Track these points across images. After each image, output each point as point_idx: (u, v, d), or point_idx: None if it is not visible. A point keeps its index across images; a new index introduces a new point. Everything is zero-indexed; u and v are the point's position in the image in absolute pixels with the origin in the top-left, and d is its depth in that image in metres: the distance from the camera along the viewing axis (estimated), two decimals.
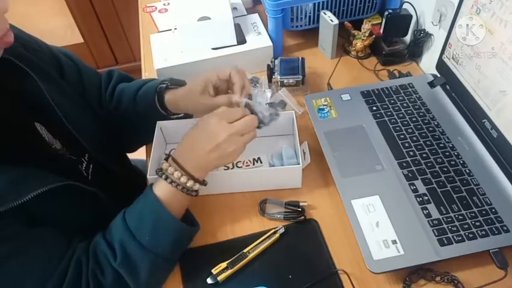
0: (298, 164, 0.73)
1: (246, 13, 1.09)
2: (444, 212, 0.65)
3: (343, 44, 1.04)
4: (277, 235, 0.68)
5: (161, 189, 0.62)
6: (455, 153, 0.73)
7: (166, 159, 0.63)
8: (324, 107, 0.85)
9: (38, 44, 0.72)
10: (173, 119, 0.80)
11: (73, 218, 0.63)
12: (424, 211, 0.66)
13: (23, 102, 0.62)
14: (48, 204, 0.57)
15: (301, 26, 1.04)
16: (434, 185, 0.69)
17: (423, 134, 0.77)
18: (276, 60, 0.94)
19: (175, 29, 1.00)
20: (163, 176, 0.62)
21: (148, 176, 0.71)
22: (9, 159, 0.54)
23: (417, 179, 0.70)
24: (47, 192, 0.55)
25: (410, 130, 0.78)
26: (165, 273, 0.64)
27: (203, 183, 0.65)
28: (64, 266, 0.56)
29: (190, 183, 0.62)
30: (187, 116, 0.81)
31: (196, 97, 0.74)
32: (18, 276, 0.54)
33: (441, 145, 0.75)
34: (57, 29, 2.03)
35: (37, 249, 0.56)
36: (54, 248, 0.58)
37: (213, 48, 0.96)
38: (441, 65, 0.84)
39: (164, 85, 0.79)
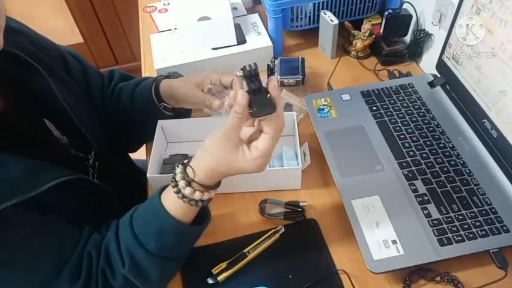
0: (298, 165, 0.73)
1: (246, 13, 1.09)
2: (444, 212, 0.65)
3: (343, 44, 1.04)
4: (277, 235, 0.68)
5: (172, 204, 0.57)
6: (455, 153, 0.73)
7: (189, 184, 0.54)
8: (324, 107, 0.85)
9: (46, 42, 0.72)
10: (169, 115, 0.79)
11: (79, 212, 0.63)
12: (424, 211, 0.66)
13: (32, 98, 0.63)
14: (58, 197, 0.58)
15: (301, 26, 1.04)
16: (434, 185, 0.69)
17: (423, 134, 0.77)
18: (276, 60, 0.94)
19: (175, 29, 1.00)
20: (191, 202, 0.55)
21: (148, 175, 0.72)
22: (22, 151, 0.55)
23: (417, 179, 0.70)
24: (59, 185, 0.56)
25: (410, 130, 0.78)
26: (175, 270, 0.64)
27: (217, 186, 0.59)
28: (79, 254, 0.57)
29: (212, 194, 0.57)
30: (183, 112, 0.81)
31: (191, 87, 0.72)
32: (35, 261, 0.54)
33: (441, 145, 0.75)
34: (57, 29, 2.03)
35: (51, 235, 0.56)
36: (68, 234, 0.58)
37: (213, 48, 0.96)
38: (441, 65, 0.84)
39: (162, 77, 0.79)
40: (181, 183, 0.54)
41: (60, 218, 0.58)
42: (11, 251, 0.53)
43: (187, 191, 0.54)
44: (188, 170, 0.55)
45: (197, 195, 0.55)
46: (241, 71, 0.50)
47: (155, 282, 0.59)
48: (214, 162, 0.54)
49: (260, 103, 0.50)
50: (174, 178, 0.55)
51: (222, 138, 0.52)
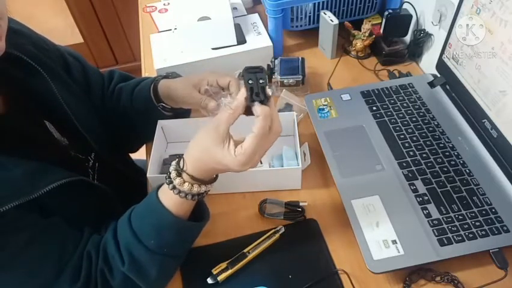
0: (298, 165, 0.73)
1: (246, 13, 1.09)
2: (444, 212, 0.65)
3: (343, 44, 1.04)
4: (277, 235, 0.68)
5: (169, 199, 0.57)
6: (455, 153, 0.73)
7: (180, 175, 0.56)
8: (324, 107, 0.85)
9: (46, 43, 0.72)
10: (168, 115, 0.79)
11: (79, 213, 0.63)
12: (424, 211, 0.66)
13: (32, 99, 0.63)
14: (59, 199, 0.58)
15: (301, 26, 1.04)
16: (434, 185, 0.69)
17: (423, 134, 0.77)
18: (276, 60, 0.94)
19: (175, 29, 1.00)
20: (181, 194, 0.56)
21: (148, 175, 0.72)
22: (23, 153, 0.55)
23: (417, 179, 0.70)
24: (60, 187, 0.56)
25: (410, 130, 0.78)
26: (174, 269, 0.64)
27: (211, 181, 0.60)
28: (79, 255, 0.57)
29: (203, 189, 0.57)
30: (182, 112, 0.81)
31: (188, 87, 0.72)
32: (36, 263, 0.54)
33: (441, 145, 0.75)
34: (57, 29, 2.03)
35: (52, 238, 0.56)
36: (69, 236, 0.58)
37: (213, 48, 0.96)
38: (441, 65, 0.84)
39: (160, 77, 0.79)
40: (173, 174, 0.56)
41: (61, 220, 0.58)
42: (11, 253, 0.53)
43: (177, 181, 0.55)
44: (181, 161, 0.56)
45: (186, 186, 0.55)
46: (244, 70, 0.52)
47: (154, 280, 0.59)
48: (200, 152, 0.55)
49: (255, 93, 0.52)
50: (169, 170, 0.57)
51: (210, 130, 0.54)
